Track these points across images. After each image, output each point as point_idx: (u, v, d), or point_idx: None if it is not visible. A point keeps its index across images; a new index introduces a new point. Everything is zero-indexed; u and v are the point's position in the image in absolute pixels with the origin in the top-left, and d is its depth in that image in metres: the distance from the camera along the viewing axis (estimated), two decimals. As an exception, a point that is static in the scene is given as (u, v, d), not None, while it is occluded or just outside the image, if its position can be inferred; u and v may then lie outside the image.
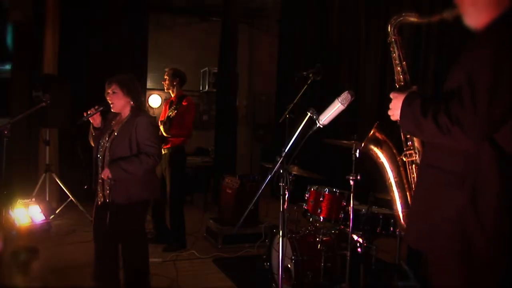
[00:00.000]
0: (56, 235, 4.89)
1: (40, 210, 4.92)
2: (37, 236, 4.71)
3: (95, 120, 2.95)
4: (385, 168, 2.01)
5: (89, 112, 2.89)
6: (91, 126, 3.00)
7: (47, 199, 5.49)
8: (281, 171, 1.98)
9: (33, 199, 4.95)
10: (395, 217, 1.98)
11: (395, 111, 1.68)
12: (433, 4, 4.47)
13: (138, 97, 2.96)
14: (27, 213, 4.79)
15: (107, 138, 2.88)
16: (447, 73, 1.66)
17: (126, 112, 2.94)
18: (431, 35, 4.69)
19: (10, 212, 4.60)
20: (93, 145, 3.03)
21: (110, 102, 2.89)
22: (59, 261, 4.07)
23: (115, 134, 2.86)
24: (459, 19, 1.65)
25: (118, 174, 2.76)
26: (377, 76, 5.62)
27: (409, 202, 1.90)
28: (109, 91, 2.88)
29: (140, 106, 2.99)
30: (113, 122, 2.99)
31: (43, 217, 4.92)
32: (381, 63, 5.56)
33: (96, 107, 2.92)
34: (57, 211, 5.55)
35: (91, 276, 3.07)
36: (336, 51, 6.54)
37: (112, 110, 2.94)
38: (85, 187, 3.13)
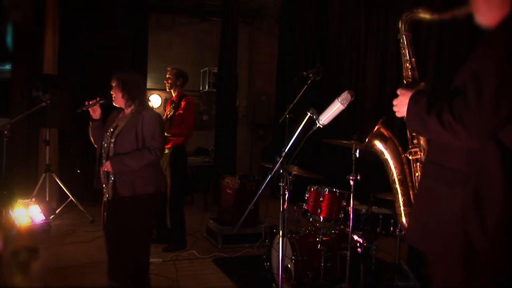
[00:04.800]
0: (56, 235, 4.89)
1: (40, 210, 4.92)
2: (37, 236, 4.71)
3: (95, 111, 3.01)
4: (388, 164, 1.98)
5: (90, 102, 2.97)
6: (90, 118, 3.05)
7: (47, 199, 5.49)
8: (281, 171, 1.98)
9: (33, 199, 4.95)
10: (396, 215, 1.96)
11: (401, 108, 1.67)
12: (433, 3, 4.47)
13: (138, 95, 3.00)
14: (27, 213, 4.79)
15: (110, 134, 2.92)
16: (446, 72, 1.66)
17: (128, 108, 3.01)
18: (431, 34, 4.69)
19: (10, 212, 4.60)
20: (92, 138, 3.08)
21: (113, 95, 2.97)
22: (59, 261, 4.07)
23: (120, 129, 2.90)
24: (470, 17, 1.63)
25: (118, 168, 2.81)
26: (377, 76, 5.62)
27: (412, 200, 1.89)
28: (112, 84, 2.99)
29: (144, 103, 3.04)
30: (117, 118, 3.04)
31: (43, 217, 4.92)
32: (381, 63, 5.57)
33: (98, 98, 2.99)
34: (57, 211, 5.55)
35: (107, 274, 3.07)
36: (336, 51, 6.54)
37: (113, 104, 3.01)
38: (78, 171, 3.15)
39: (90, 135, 3.08)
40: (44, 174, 5.51)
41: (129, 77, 3.02)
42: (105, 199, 2.95)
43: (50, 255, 4.22)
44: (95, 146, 3.07)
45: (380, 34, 5.60)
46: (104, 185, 2.93)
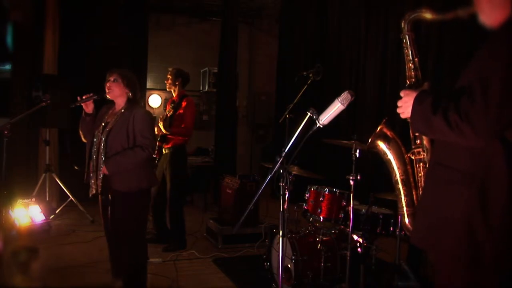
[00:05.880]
0: (56, 235, 4.89)
1: (40, 210, 4.92)
2: (37, 236, 4.71)
3: (88, 106, 3.05)
4: (391, 165, 1.98)
5: (83, 97, 3.00)
6: (83, 112, 3.08)
7: (47, 199, 5.49)
8: (281, 171, 1.98)
9: (33, 199, 4.95)
10: (399, 215, 1.96)
11: (405, 109, 1.67)
12: (434, 3, 4.47)
13: (136, 91, 3.05)
14: (27, 213, 4.79)
15: (101, 131, 2.95)
16: (446, 72, 1.66)
17: (120, 103, 3.04)
18: (431, 34, 4.68)
19: (10, 212, 4.60)
20: (81, 132, 3.11)
21: (108, 89, 2.99)
22: (59, 261, 4.07)
23: (111, 126, 2.93)
24: (471, 16, 1.64)
25: (115, 169, 2.86)
26: (377, 76, 5.62)
27: (415, 201, 1.89)
28: (110, 78, 3.01)
29: (136, 100, 3.08)
30: (107, 114, 3.06)
31: (43, 217, 4.92)
32: (381, 63, 5.57)
33: (91, 94, 3.02)
34: (57, 211, 5.55)
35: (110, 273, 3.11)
36: (336, 51, 6.54)
37: (107, 97, 3.03)
38: (76, 167, 3.19)
39: (80, 128, 3.11)
40: (44, 174, 5.51)
41: (129, 73, 3.07)
42: (91, 194, 2.99)
43: (50, 255, 4.22)
44: (84, 141, 3.10)
45: (380, 34, 5.59)
46: (92, 181, 2.96)
